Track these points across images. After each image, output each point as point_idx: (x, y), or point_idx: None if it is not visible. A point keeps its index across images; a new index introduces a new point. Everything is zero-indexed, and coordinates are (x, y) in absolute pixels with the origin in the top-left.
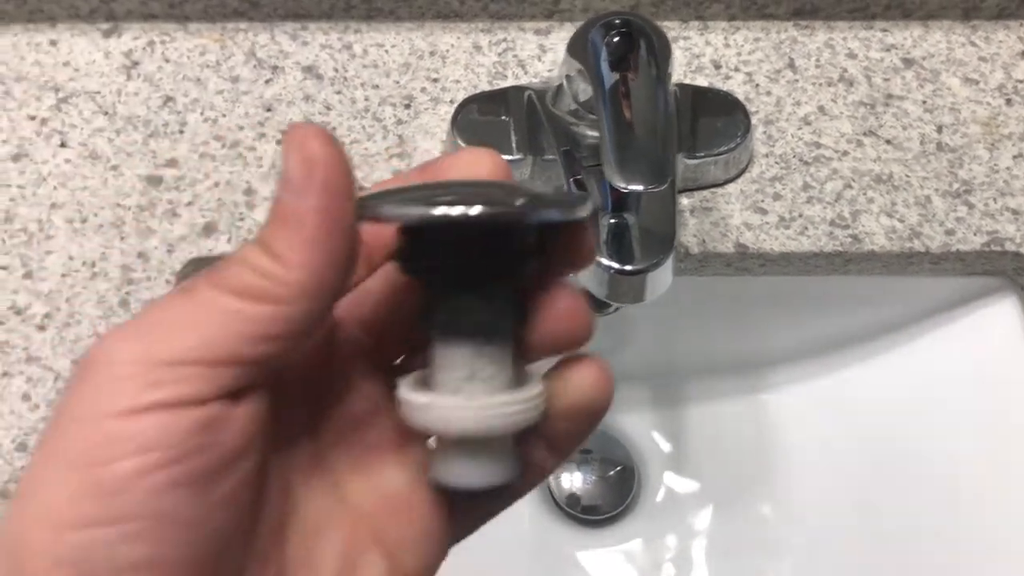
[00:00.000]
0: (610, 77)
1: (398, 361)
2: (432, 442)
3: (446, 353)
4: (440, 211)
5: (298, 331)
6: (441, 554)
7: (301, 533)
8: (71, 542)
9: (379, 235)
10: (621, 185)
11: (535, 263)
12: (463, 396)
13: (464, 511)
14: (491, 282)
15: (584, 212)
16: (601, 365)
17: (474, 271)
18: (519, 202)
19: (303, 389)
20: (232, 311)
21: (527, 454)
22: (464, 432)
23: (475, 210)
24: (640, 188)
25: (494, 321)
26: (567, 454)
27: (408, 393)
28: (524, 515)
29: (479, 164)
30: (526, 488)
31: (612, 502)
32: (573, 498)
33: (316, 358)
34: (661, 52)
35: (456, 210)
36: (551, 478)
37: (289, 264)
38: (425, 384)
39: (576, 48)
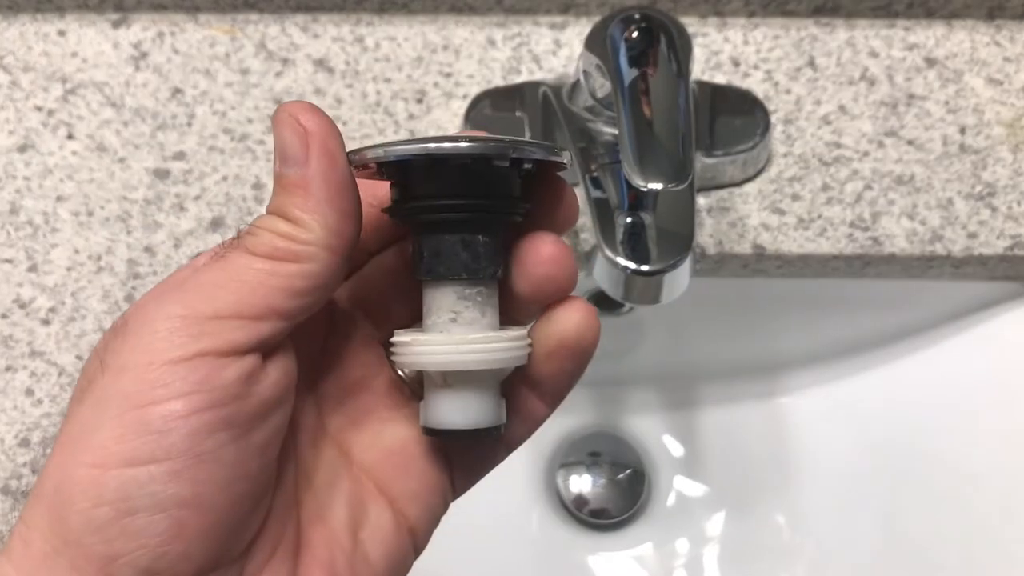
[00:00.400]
0: (629, 73)
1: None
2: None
3: (431, 297)
4: (418, 147)
5: (324, 283)
6: (443, 506)
7: (313, 489)
8: (115, 479)
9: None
10: (640, 183)
11: (516, 211)
12: (443, 334)
13: (461, 464)
14: (471, 223)
15: (564, 158)
16: (586, 304)
17: (454, 211)
18: (496, 142)
19: (307, 357)
20: (265, 271)
21: (517, 402)
22: (441, 366)
23: (450, 145)
24: (660, 187)
25: (474, 263)
26: (557, 400)
27: (396, 336)
28: (532, 518)
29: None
30: (519, 438)
31: (622, 506)
32: (582, 501)
33: (317, 329)
34: (682, 48)
35: (433, 145)
36: (560, 482)
37: (307, 225)
38: (415, 330)
39: (595, 43)
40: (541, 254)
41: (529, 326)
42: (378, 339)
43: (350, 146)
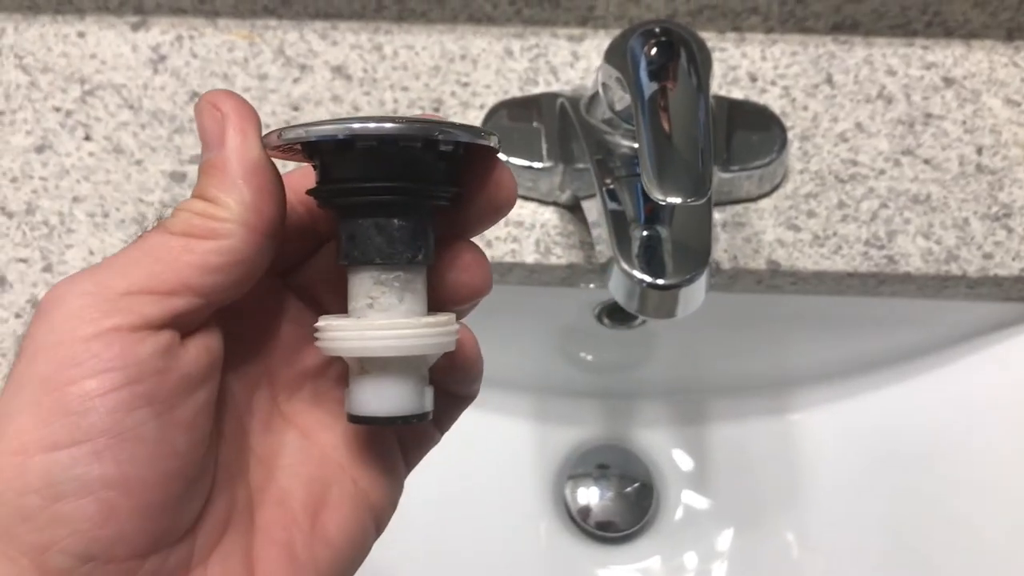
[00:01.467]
0: (649, 87)
1: None
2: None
3: (351, 282)
4: (327, 127)
5: (241, 259)
6: (400, 486)
7: (270, 472)
8: (39, 465)
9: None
10: (659, 197)
11: (439, 195)
12: (355, 320)
13: (404, 446)
14: (385, 206)
15: (491, 142)
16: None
17: (367, 194)
18: (412, 124)
19: (257, 344)
20: (179, 247)
21: (444, 385)
22: (352, 352)
23: (359, 125)
24: (678, 201)
25: (389, 247)
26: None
27: (319, 321)
28: (540, 530)
29: None
30: (448, 422)
31: (630, 519)
32: (590, 514)
33: (267, 315)
34: (702, 62)
35: (342, 125)
36: (568, 493)
37: (223, 203)
38: (337, 316)
39: (615, 56)
40: (464, 259)
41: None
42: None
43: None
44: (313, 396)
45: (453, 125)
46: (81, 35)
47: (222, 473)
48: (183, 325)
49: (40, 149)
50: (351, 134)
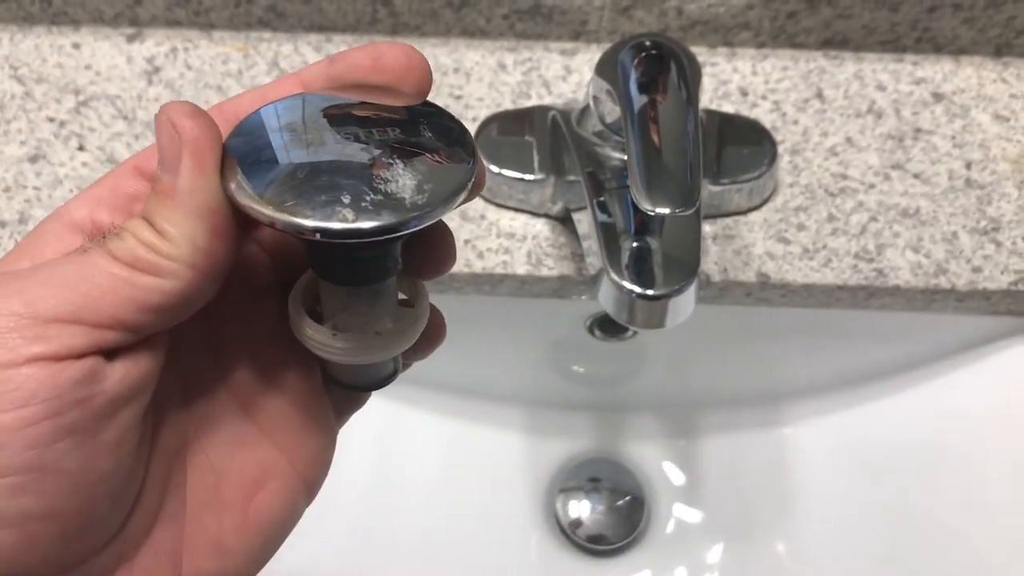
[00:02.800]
0: (639, 99)
1: None
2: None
3: (323, 288)
4: (303, 224)
5: (181, 303)
6: (333, 447)
7: (202, 459)
8: None
9: None
10: (648, 208)
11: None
12: (333, 329)
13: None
14: (359, 251)
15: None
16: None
17: (345, 269)
18: (383, 219)
19: (195, 331)
20: (121, 279)
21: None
22: (337, 360)
23: (338, 225)
24: (667, 211)
25: (361, 279)
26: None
27: (295, 312)
28: (531, 543)
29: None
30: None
31: (621, 532)
32: (581, 527)
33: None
34: (692, 76)
35: (311, 224)
36: (559, 506)
37: (173, 240)
38: (309, 299)
39: (605, 69)
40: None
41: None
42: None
43: None
44: (258, 369)
45: (425, 210)
46: (76, 46)
47: (156, 465)
48: (109, 352)
49: (34, 159)
50: (317, 235)
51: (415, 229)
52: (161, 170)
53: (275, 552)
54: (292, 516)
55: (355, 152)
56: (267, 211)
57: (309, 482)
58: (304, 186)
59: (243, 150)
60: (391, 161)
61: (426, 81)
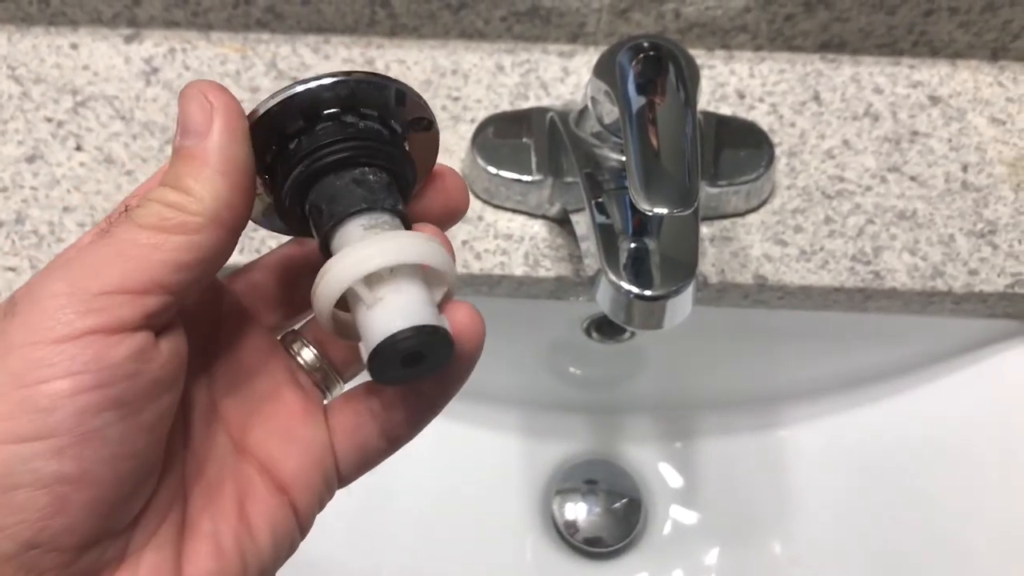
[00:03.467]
0: (637, 100)
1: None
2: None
3: (339, 240)
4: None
5: (211, 256)
6: (328, 491)
7: (203, 468)
8: None
9: None
10: (646, 208)
11: (403, 152)
12: (363, 242)
13: (344, 450)
14: (356, 160)
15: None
16: (473, 308)
17: (336, 152)
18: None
19: (198, 339)
20: (151, 244)
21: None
22: (378, 265)
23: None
24: (665, 211)
25: (372, 195)
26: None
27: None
28: (527, 546)
29: None
30: (406, 435)
31: (617, 535)
32: (577, 529)
33: (208, 313)
34: (690, 77)
35: (301, 88)
36: (555, 508)
37: (198, 195)
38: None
39: (603, 70)
40: (444, 181)
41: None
42: (269, 326)
43: None
44: (247, 397)
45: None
46: (74, 47)
47: (168, 469)
48: (156, 325)
49: (31, 159)
50: (339, 79)
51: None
52: (185, 137)
53: (279, 563)
54: (285, 530)
55: None
56: (273, 100)
57: (297, 507)
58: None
59: None
60: None
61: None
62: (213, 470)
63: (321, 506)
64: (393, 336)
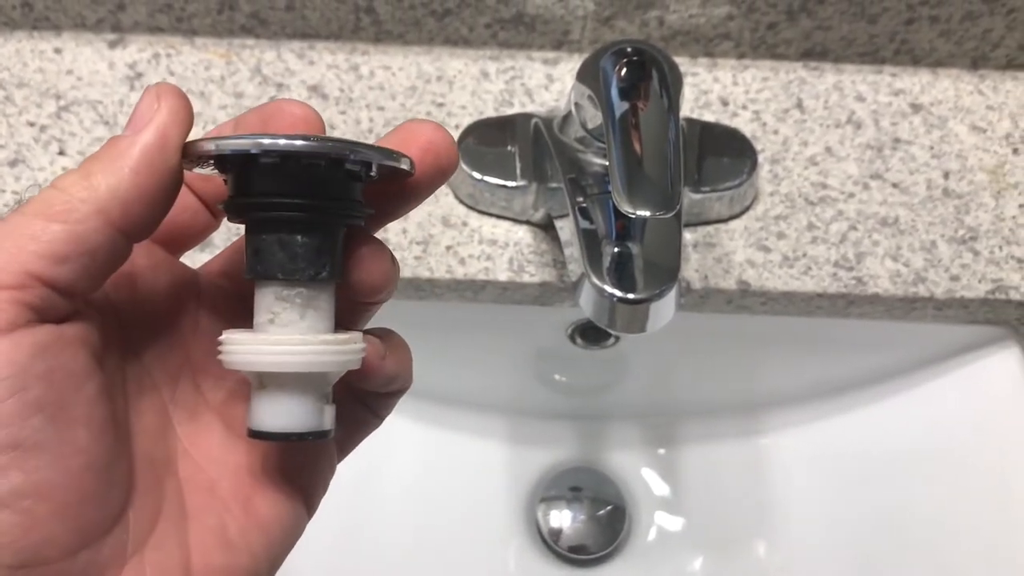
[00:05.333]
0: (620, 105)
1: None
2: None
3: (256, 296)
4: (234, 143)
5: (93, 251)
6: (331, 470)
7: (192, 458)
8: None
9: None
10: (629, 210)
11: (352, 214)
12: (251, 334)
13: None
14: (289, 222)
15: (404, 164)
16: (401, 341)
17: (269, 209)
18: (322, 143)
19: (178, 334)
20: (28, 234)
21: (347, 409)
22: (245, 366)
23: (268, 141)
24: (647, 214)
25: (291, 263)
26: (385, 412)
27: (221, 335)
28: (511, 552)
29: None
30: (352, 443)
31: (602, 542)
32: (562, 536)
33: (186, 306)
34: (673, 82)
35: (248, 141)
36: (540, 516)
37: (94, 185)
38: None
39: (587, 75)
40: (363, 255)
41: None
42: None
43: None
44: (237, 386)
45: (368, 147)
46: (58, 51)
47: (146, 463)
48: (52, 317)
49: (13, 163)
50: (259, 149)
51: (352, 158)
52: (127, 127)
53: (287, 552)
54: (292, 518)
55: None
56: (214, 144)
57: (309, 498)
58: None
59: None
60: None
61: (450, 172)
62: (214, 465)
63: (326, 487)
64: (262, 432)
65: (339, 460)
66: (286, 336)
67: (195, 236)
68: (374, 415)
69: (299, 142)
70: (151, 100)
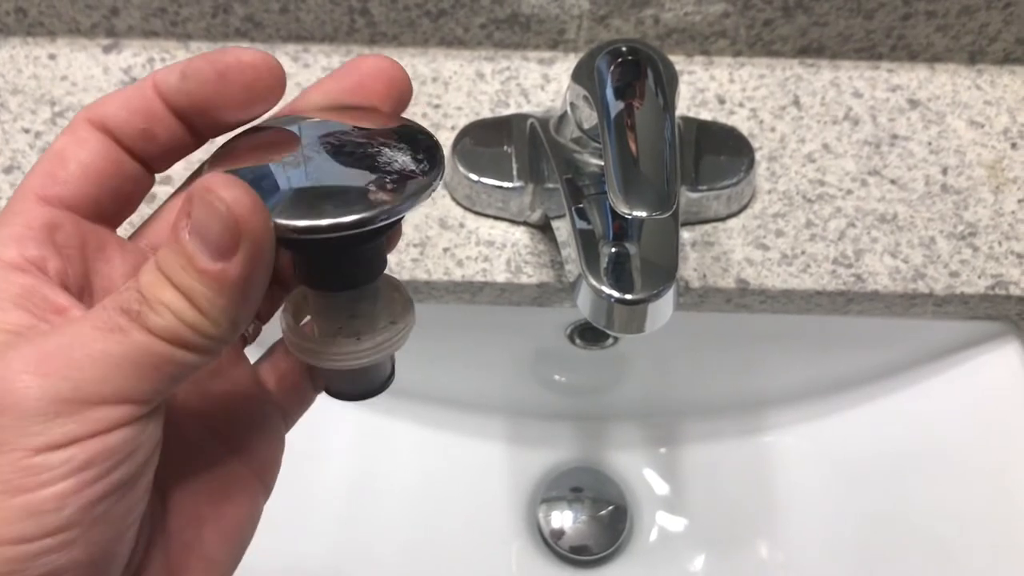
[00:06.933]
0: (615, 105)
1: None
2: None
3: (320, 306)
4: (305, 224)
5: (209, 365)
6: (282, 446)
7: (180, 490)
8: (6, 556)
9: None
10: (625, 211)
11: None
12: (336, 343)
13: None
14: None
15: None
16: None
17: (337, 268)
18: (369, 211)
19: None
20: (164, 357)
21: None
22: (337, 368)
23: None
24: (644, 215)
25: (357, 278)
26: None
27: (296, 335)
28: (512, 553)
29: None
30: (299, 413)
31: (603, 542)
32: (563, 537)
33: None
34: (668, 81)
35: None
36: (541, 516)
37: (216, 322)
38: (304, 315)
39: (582, 75)
40: None
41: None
42: None
43: None
44: (212, 388)
45: (405, 188)
46: (52, 57)
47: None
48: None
49: (8, 170)
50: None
51: (386, 222)
52: (206, 252)
53: (244, 553)
54: (256, 517)
55: (346, 176)
56: (292, 223)
57: (267, 484)
58: (298, 200)
59: (248, 179)
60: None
61: (407, 96)
62: (192, 477)
63: (279, 464)
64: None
65: (286, 431)
66: (370, 340)
67: (137, 201)
68: (314, 386)
69: (363, 227)
70: (224, 216)
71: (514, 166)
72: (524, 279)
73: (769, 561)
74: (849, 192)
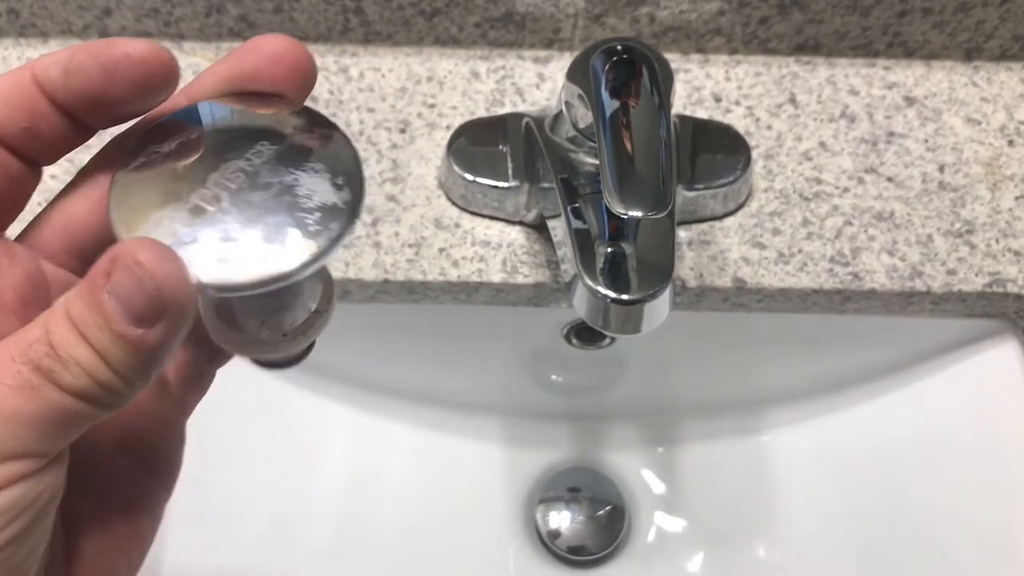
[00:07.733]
0: (611, 104)
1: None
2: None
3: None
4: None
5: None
6: (182, 439)
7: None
8: None
9: None
10: (620, 211)
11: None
12: (260, 334)
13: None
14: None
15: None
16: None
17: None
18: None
19: None
20: (71, 412)
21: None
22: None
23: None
24: (639, 214)
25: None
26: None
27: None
28: (510, 554)
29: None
30: (197, 398)
31: (601, 543)
32: (561, 537)
33: None
34: (663, 80)
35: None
36: (538, 517)
37: (129, 382)
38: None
39: (577, 74)
40: None
41: None
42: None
43: None
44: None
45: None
46: None
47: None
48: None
49: None
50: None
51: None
52: (122, 310)
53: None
54: (157, 524)
55: (266, 222)
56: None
57: (169, 488)
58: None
59: (168, 240)
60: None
61: (312, 80)
62: (95, 491)
63: (180, 464)
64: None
65: (185, 419)
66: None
67: (25, 199)
68: (211, 364)
69: (288, 280)
70: (145, 285)
71: (509, 166)
72: (520, 279)
73: (767, 561)
74: (846, 190)
